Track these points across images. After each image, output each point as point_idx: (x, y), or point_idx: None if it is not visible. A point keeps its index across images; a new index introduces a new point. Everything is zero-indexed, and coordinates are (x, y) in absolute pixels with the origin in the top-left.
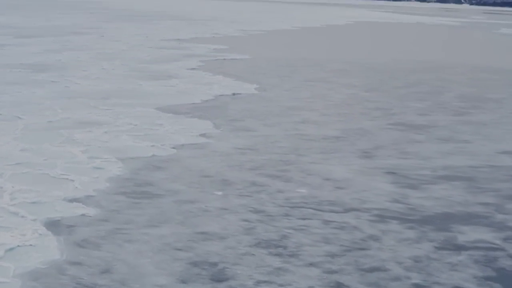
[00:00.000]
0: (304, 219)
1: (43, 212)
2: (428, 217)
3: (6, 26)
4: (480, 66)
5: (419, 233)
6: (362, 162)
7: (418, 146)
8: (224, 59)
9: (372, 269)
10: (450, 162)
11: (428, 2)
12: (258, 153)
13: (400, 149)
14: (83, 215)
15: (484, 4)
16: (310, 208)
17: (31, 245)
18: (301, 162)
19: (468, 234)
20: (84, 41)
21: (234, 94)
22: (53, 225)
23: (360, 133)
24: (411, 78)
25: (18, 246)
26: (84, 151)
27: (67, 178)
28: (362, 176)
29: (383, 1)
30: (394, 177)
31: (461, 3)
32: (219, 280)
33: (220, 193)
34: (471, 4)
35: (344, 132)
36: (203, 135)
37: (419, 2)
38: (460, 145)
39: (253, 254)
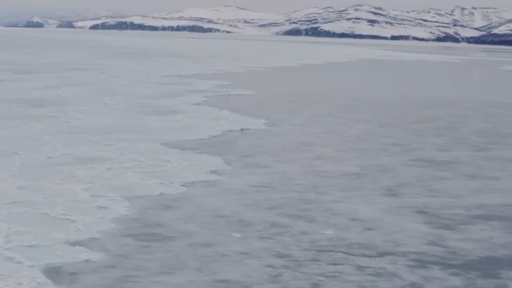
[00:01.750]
0: (335, 264)
1: (42, 257)
2: (472, 261)
3: (5, 62)
4: (490, 102)
5: (465, 280)
6: (388, 200)
7: (445, 183)
8: (229, 94)
9: None
10: (483, 200)
11: (426, 40)
12: (275, 191)
13: (426, 186)
14: (87, 260)
15: (482, 42)
16: (339, 252)
17: None
18: (322, 201)
19: None
20: (84, 77)
21: (242, 129)
22: (54, 273)
23: (381, 169)
24: (423, 114)
25: None
26: (86, 189)
27: (69, 219)
28: (391, 215)
29: (381, 39)
30: (425, 217)
31: (458, 41)
32: None
33: (238, 235)
34: (469, 42)
35: (364, 168)
36: (214, 171)
37: (416, 41)
38: (489, 182)
39: None
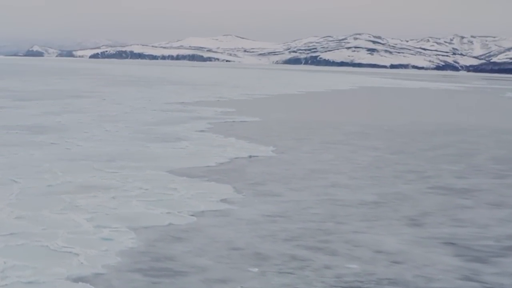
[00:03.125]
0: None
1: None
2: None
3: (4, 89)
4: (501, 129)
5: None
6: (413, 231)
7: (470, 213)
8: (234, 121)
9: None
10: None
11: (426, 69)
12: (291, 221)
13: (450, 215)
14: None
15: (481, 71)
16: None
17: None
18: (343, 231)
19: None
20: (84, 104)
21: (250, 156)
22: None
23: (400, 197)
24: (435, 141)
25: None
26: (89, 219)
27: (71, 252)
28: (418, 247)
29: (380, 68)
30: (455, 249)
31: (458, 70)
32: None
33: (255, 269)
34: (468, 71)
35: (382, 196)
36: (224, 200)
37: (416, 69)
38: None
39: None
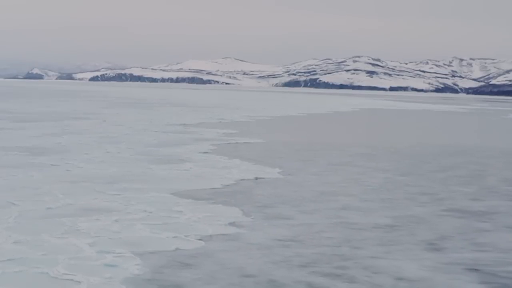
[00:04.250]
0: None
1: None
2: None
3: (4, 111)
4: (508, 150)
5: None
6: (433, 256)
7: (490, 236)
8: (237, 142)
9: None
10: None
11: (425, 91)
12: (304, 246)
13: (470, 239)
14: None
15: (481, 93)
16: None
17: None
18: (359, 257)
19: None
20: (85, 125)
21: (256, 178)
22: None
23: (415, 221)
24: (444, 162)
25: None
26: (91, 244)
27: (72, 279)
28: (441, 274)
29: (379, 90)
30: (480, 276)
31: (457, 92)
32: None
33: None
34: (468, 93)
35: (397, 219)
36: (232, 224)
37: (415, 92)
38: None
39: None
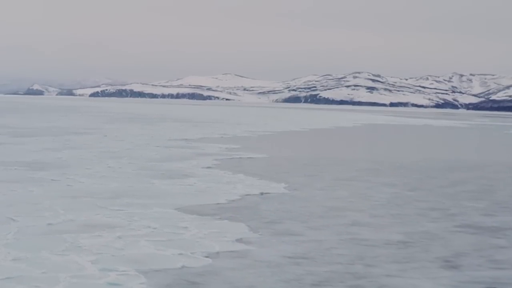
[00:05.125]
0: None
1: None
2: None
3: (4, 126)
4: None
5: None
6: (450, 274)
7: (507, 253)
8: (240, 157)
9: None
10: None
11: (425, 107)
12: (315, 264)
13: (487, 256)
14: None
15: (481, 109)
16: None
17: None
18: (374, 275)
19: None
20: (85, 140)
21: (262, 193)
22: None
23: (429, 237)
24: (451, 177)
25: None
26: (94, 261)
27: None
28: None
29: (380, 106)
30: None
31: (457, 108)
32: None
33: None
34: (468, 109)
35: (409, 236)
36: (239, 240)
37: (415, 107)
38: None
39: None
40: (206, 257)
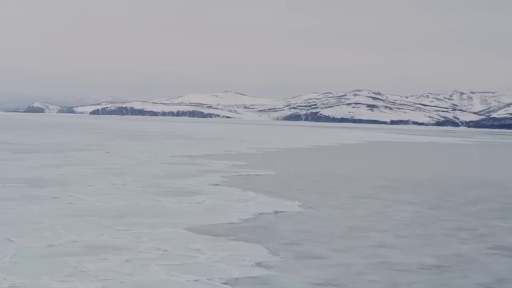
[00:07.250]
0: None
1: None
2: None
3: (4, 142)
4: None
5: None
6: None
7: None
8: (248, 174)
9: None
10: None
11: (426, 125)
12: None
13: None
14: None
15: (481, 126)
16: None
17: None
18: None
19: None
20: (87, 157)
21: (276, 212)
22: None
23: (463, 260)
24: (471, 195)
25: None
26: None
27: None
28: None
29: (380, 124)
30: None
31: (458, 125)
32: None
33: None
34: (469, 126)
35: (442, 259)
36: (259, 264)
37: (416, 125)
38: None
39: None
40: (225, 283)
